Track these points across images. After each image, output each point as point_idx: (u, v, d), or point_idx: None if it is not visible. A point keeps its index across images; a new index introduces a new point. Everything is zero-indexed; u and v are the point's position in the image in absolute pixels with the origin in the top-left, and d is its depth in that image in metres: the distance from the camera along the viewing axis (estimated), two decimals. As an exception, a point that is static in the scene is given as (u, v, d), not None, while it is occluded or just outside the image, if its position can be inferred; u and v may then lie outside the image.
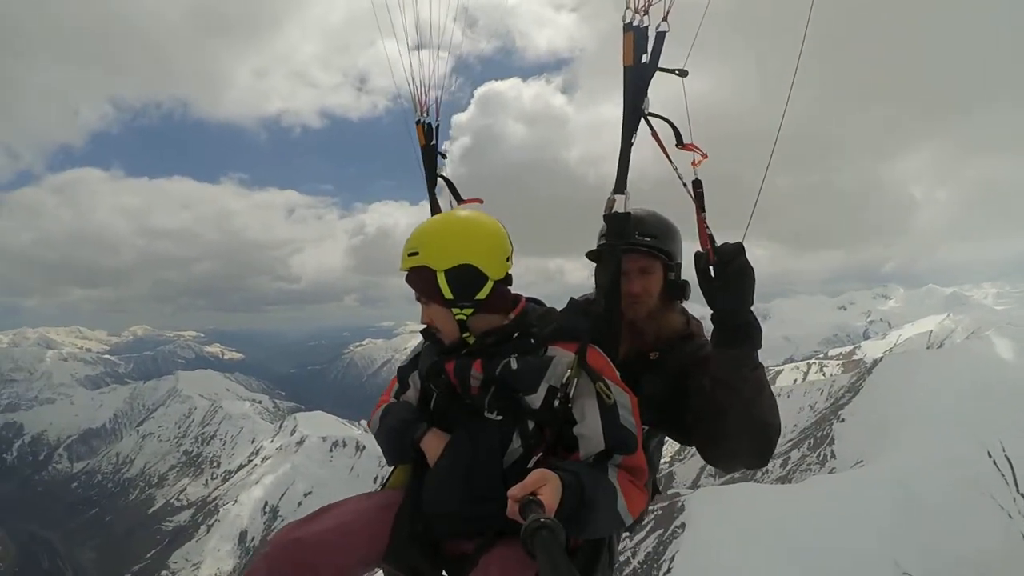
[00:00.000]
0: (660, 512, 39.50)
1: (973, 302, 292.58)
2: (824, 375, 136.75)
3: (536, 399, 2.07)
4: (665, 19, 2.06)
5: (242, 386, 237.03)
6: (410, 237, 2.19)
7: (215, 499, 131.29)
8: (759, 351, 2.16)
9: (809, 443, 75.25)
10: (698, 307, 2.65)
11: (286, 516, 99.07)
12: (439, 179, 2.92)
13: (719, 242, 2.14)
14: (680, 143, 2.11)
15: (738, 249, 2.09)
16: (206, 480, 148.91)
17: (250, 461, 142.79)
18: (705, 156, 2.07)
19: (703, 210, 2.11)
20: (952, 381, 61.43)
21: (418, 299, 2.22)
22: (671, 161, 2.12)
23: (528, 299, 2.36)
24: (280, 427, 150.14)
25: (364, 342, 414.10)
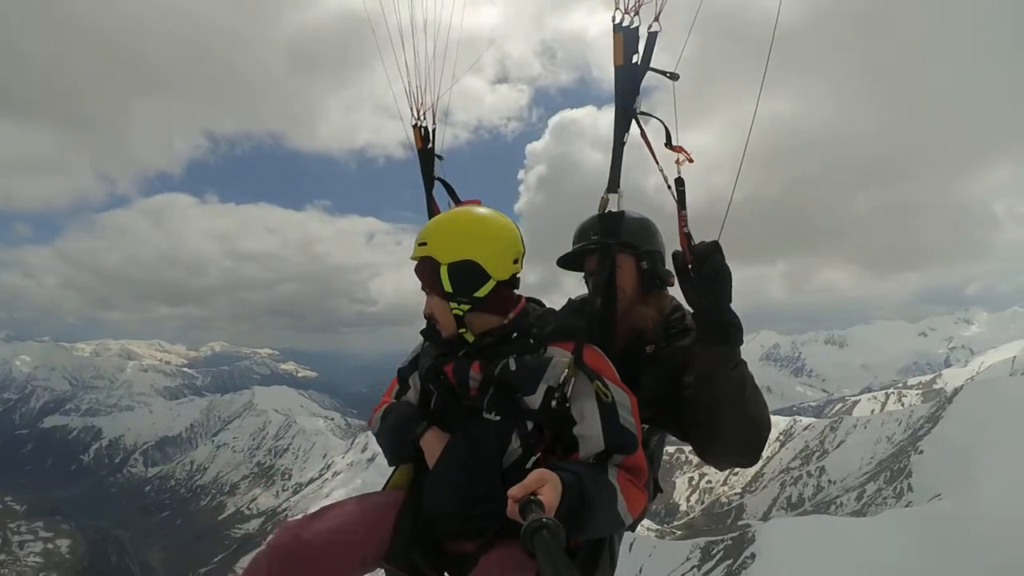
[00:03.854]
0: (730, 542, 38.78)
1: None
2: (903, 405, 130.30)
3: (535, 400, 2.06)
4: (657, 19, 2.09)
5: (316, 403, 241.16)
6: (423, 228, 2.24)
7: (285, 509, 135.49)
8: (740, 348, 2.19)
9: (886, 476, 71.75)
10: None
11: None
12: (437, 181, 2.94)
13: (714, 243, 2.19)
14: (669, 144, 2.15)
15: (713, 247, 2.14)
16: (277, 491, 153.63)
17: (321, 475, 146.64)
18: (691, 159, 2.12)
19: (684, 208, 2.16)
20: (1036, 409, 57.49)
21: (422, 289, 2.26)
22: (656, 160, 2.17)
23: (528, 299, 2.37)
24: (352, 444, 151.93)
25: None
